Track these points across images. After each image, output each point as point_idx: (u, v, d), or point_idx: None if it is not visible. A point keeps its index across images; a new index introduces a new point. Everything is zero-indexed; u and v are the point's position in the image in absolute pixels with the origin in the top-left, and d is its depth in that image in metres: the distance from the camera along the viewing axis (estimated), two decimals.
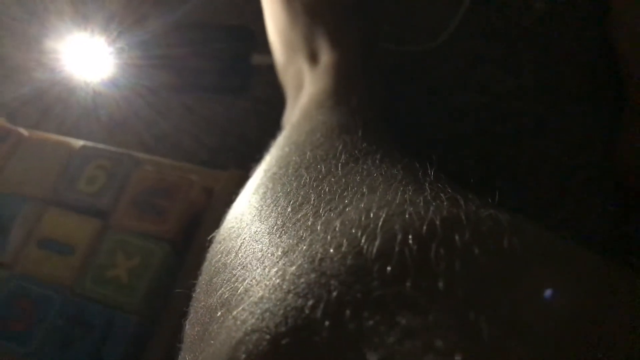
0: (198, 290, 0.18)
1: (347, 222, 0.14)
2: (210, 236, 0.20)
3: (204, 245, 0.20)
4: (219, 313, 0.15)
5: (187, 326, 0.17)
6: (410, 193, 0.15)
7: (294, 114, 0.30)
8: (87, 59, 0.42)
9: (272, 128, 0.31)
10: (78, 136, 0.38)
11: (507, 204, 0.14)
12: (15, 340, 0.30)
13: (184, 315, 0.18)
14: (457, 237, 0.11)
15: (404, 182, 0.16)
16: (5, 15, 0.46)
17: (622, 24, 0.34)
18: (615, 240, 0.32)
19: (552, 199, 0.34)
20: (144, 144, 0.40)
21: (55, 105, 0.42)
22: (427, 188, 0.15)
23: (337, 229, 0.13)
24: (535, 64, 0.37)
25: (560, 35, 0.37)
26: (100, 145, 0.36)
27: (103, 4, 0.44)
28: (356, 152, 0.20)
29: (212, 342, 0.14)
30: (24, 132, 0.38)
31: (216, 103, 0.41)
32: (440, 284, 0.10)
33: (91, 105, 0.42)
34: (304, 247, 0.14)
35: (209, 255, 0.19)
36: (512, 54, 0.37)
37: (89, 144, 0.36)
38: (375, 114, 0.28)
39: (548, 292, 0.10)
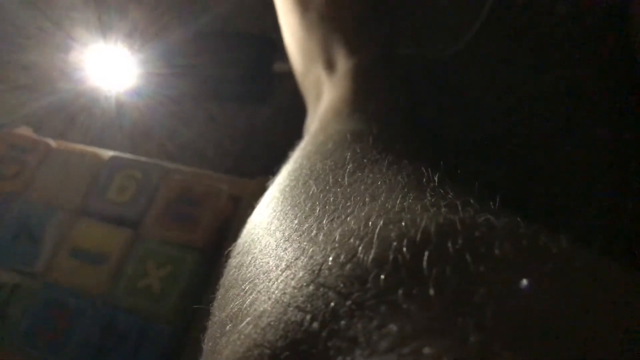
0: (215, 304, 0.18)
1: (346, 232, 0.14)
2: (228, 250, 0.20)
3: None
4: (228, 327, 0.15)
5: (205, 340, 0.18)
6: (410, 200, 0.15)
7: (313, 123, 0.30)
8: (111, 68, 0.43)
9: (296, 136, 0.31)
10: (102, 146, 0.39)
11: (532, 206, 0.13)
12: (47, 350, 0.31)
13: (205, 329, 0.18)
14: (449, 244, 0.12)
15: (406, 189, 0.16)
16: (30, 25, 0.47)
17: None
18: None
19: (581, 201, 0.34)
20: (167, 153, 0.41)
21: (80, 115, 0.43)
22: (428, 194, 0.15)
23: (336, 239, 0.13)
24: (559, 66, 0.37)
25: (583, 37, 0.37)
26: (129, 155, 0.36)
27: (126, 14, 0.45)
28: (365, 160, 0.19)
29: (219, 356, 0.14)
30: (51, 142, 0.38)
31: (239, 111, 0.41)
32: (431, 291, 0.11)
33: (115, 114, 0.42)
34: (305, 260, 0.14)
35: (225, 270, 0.19)
36: (535, 56, 0.37)
37: (118, 154, 0.36)
38: (394, 119, 0.28)
39: (538, 297, 0.10)
